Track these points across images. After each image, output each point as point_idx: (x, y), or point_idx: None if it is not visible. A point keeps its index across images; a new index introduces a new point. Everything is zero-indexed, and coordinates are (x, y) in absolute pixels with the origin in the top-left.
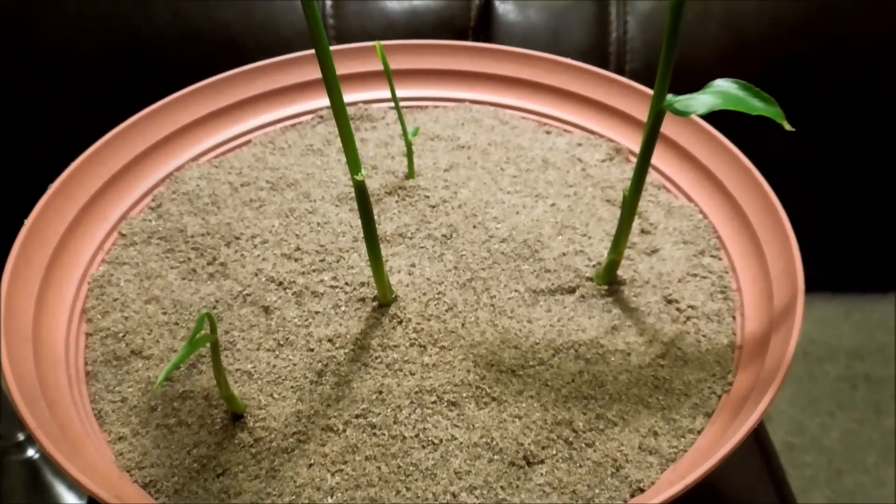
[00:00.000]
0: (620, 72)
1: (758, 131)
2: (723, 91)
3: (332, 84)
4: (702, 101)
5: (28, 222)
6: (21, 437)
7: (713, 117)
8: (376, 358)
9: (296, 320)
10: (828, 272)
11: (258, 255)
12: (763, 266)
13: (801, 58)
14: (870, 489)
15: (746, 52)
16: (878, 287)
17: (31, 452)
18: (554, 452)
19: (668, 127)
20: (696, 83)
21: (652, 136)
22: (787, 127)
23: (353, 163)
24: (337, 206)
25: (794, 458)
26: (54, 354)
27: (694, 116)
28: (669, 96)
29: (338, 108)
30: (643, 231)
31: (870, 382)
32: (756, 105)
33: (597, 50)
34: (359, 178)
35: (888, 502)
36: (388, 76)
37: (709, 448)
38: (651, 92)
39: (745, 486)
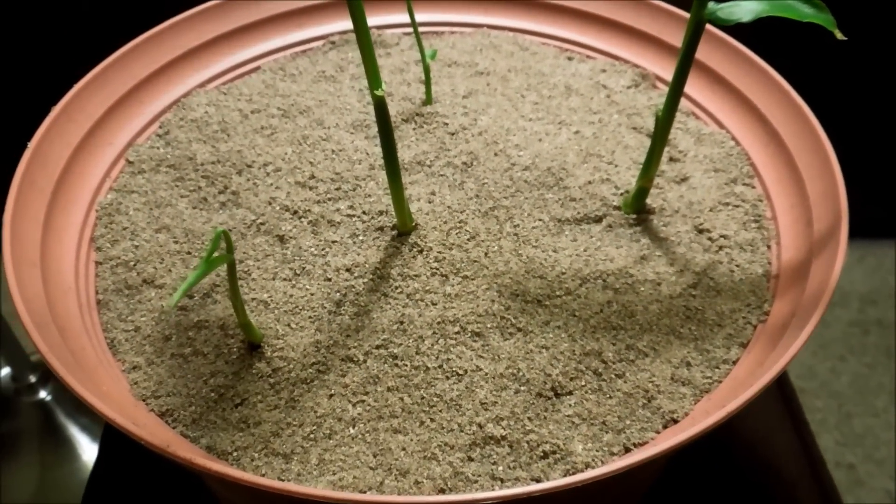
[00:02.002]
0: None
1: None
2: None
3: None
4: (746, 7)
5: (32, 144)
6: (33, 378)
7: (746, 37)
8: (396, 288)
9: (312, 249)
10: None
11: (271, 184)
12: (801, 191)
13: None
14: (878, 432)
15: None
16: (891, 232)
17: (42, 394)
18: (582, 383)
19: (699, 48)
20: None
21: (690, 49)
22: (839, 35)
23: (374, 77)
24: (352, 133)
25: (804, 403)
26: (64, 282)
27: (726, 36)
28: (711, 4)
29: (358, 19)
30: (672, 159)
31: (882, 327)
32: (805, 11)
33: None
34: (379, 93)
35: None
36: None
37: (745, 378)
38: (680, 12)
39: (765, 427)
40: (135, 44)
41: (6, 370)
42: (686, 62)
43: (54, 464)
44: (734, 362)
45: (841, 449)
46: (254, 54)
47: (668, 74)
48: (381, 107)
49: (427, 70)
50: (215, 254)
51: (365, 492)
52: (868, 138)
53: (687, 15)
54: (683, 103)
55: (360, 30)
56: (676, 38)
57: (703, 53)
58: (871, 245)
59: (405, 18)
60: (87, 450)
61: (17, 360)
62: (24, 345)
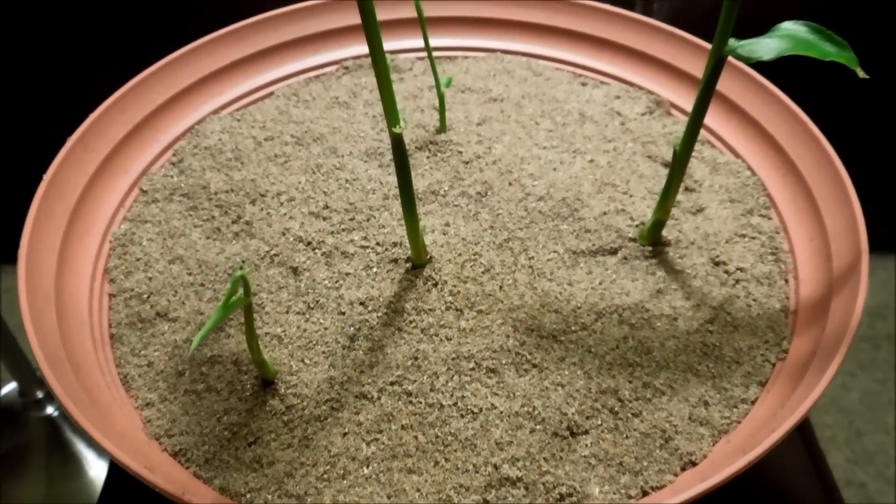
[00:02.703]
0: (648, 8)
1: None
2: (791, 34)
3: (371, 27)
4: (768, 45)
5: (48, 174)
6: (40, 394)
7: (763, 66)
8: (411, 322)
9: (326, 282)
10: None
11: (285, 214)
12: (819, 225)
13: None
14: (889, 449)
15: None
16: None
17: (50, 410)
18: (599, 423)
19: None
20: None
21: (710, 84)
22: (861, 74)
23: (392, 113)
24: (366, 161)
25: (813, 419)
26: (78, 315)
27: (741, 64)
28: (732, 40)
29: (377, 53)
30: (687, 189)
31: (892, 342)
32: (828, 50)
33: None
34: (397, 130)
35: None
36: (423, 25)
37: (765, 419)
38: (695, 40)
39: (776, 450)
40: (151, 71)
41: (13, 385)
42: (705, 97)
43: (61, 479)
44: (753, 402)
45: (852, 467)
46: (268, 80)
47: (683, 101)
48: (398, 143)
49: (441, 98)
50: (234, 297)
51: None
52: (880, 150)
53: (701, 42)
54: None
55: (381, 71)
56: (690, 65)
57: (719, 83)
58: (881, 259)
59: (418, 42)
60: (94, 465)
61: (25, 375)
62: (32, 360)
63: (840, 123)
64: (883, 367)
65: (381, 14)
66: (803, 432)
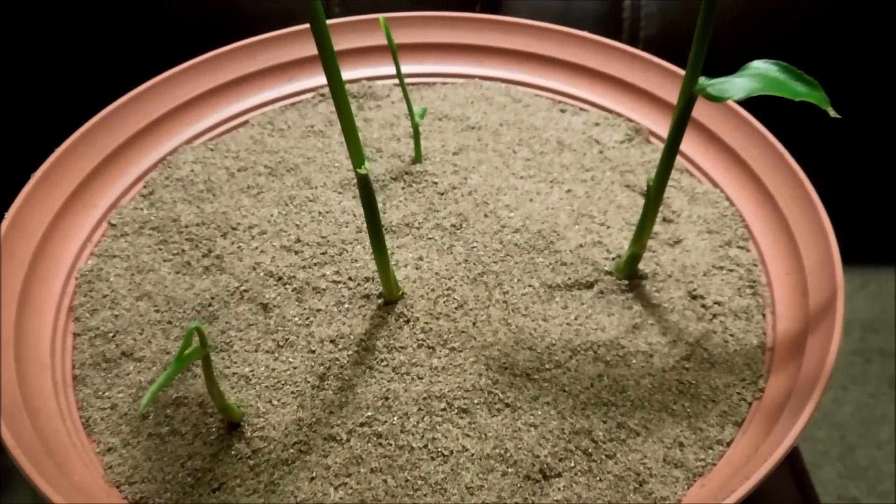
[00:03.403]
0: (634, 39)
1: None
2: (761, 74)
3: (331, 68)
4: (738, 85)
5: (9, 214)
6: None
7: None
8: (382, 360)
9: (296, 319)
10: (843, 242)
11: (256, 248)
12: (796, 259)
13: (824, 21)
14: (882, 464)
15: (766, 16)
16: (893, 259)
17: None
18: (572, 465)
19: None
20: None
21: (682, 121)
22: (833, 113)
23: (356, 154)
24: (340, 193)
25: (805, 433)
26: (39, 357)
27: None
28: (702, 79)
29: (338, 94)
30: (665, 220)
31: (884, 356)
32: (799, 90)
33: (610, 16)
34: (362, 171)
35: None
36: (394, 54)
37: (740, 462)
38: (673, 68)
39: (765, 492)
40: (122, 101)
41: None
42: (678, 133)
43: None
44: (728, 443)
45: (844, 482)
46: (243, 108)
47: (661, 129)
48: (364, 184)
49: (416, 129)
50: (189, 348)
51: None
52: (871, 163)
53: (680, 71)
54: (677, 160)
55: (343, 112)
56: (668, 93)
57: (696, 110)
58: (872, 272)
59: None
60: None
61: None
62: None
63: (814, 148)
64: (875, 381)
65: (361, 41)
66: (792, 462)
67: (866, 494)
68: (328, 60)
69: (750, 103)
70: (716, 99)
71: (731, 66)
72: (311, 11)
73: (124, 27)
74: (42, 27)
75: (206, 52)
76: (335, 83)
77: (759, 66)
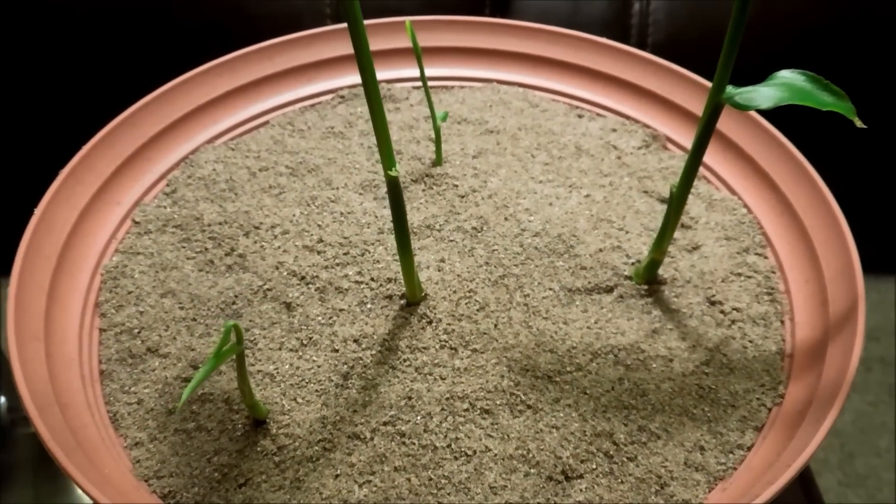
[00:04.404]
0: (642, 44)
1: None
2: (788, 83)
3: (366, 69)
4: (765, 94)
5: (39, 210)
6: None
7: None
8: (405, 360)
9: (319, 318)
10: None
11: (279, 247)
12: (816, 267)
13: (831, 29)
14: (881, 473)
15: (779, 23)
16: (893, 268)
17: None
18: (594, 467)
19: None
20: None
21: (707, 129)
22: (859, 124)
23: (388, 156)
24: (361, 194)
25: None
26: (67, 352)
27: None
28: (729, 88)
29: (372, 95)
30: (683, 226)
31: (884, 364)
32: (826, 100)
33: (618, 20)
34: (393, 173)
35: None
36: (419, 58)
37: (761, 467)
38: (689, 74)
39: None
40: (145, 101)
41: (2, 400)
42: (703, 141)
43: (49, 496)
44: (749, 448)
45: (843, 490)
46: (263, 108)
47: (678, 135)
48: (394, 187)
49: (438, 132)
50: (227, 346)
51: None
52: (870, 171)
53: (696, 77)
54: None
55: (376, 114)
56: (685, 100)
57: None
58: (873, 281)
59: (414, 72)
60: None
61: (14, 390)
62: None
63: (833, 157)
64: (875, 390)
65: (377, 44)
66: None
67: (866, 502)
68: (364, 61)
69: (771, 116)
70: (743, 108)
71: (738, 72)
72: (349, 14)
73: (131, 28)
74: (48, 29)
75: (213, 53)
76: (370, 87)
77: (786, 75)
